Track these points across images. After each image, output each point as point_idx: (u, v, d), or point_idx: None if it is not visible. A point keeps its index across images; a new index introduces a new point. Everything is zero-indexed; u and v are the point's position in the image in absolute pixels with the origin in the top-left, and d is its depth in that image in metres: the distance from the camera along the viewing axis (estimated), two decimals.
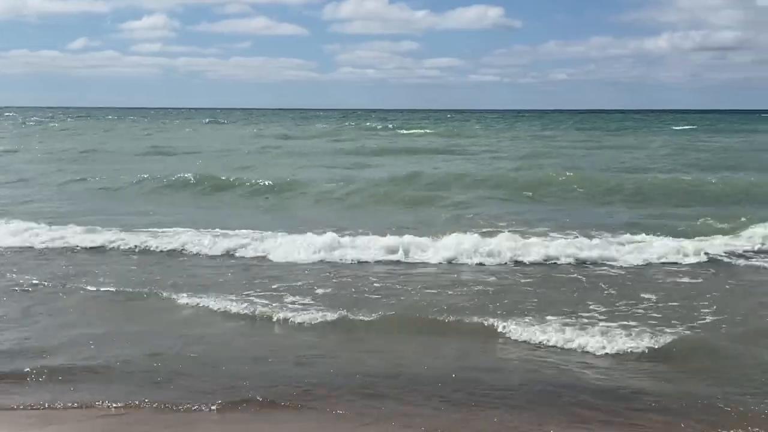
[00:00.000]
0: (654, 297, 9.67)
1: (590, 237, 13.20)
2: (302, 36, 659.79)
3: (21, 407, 6.35)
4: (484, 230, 14.01)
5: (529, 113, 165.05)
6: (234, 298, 9.56)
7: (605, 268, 11.60)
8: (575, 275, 11.10)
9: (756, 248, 12.80)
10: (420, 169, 26.21)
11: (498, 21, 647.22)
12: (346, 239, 12.96)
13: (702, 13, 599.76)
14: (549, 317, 8.68)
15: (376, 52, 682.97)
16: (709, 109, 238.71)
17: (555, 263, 11.89)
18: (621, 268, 11.59)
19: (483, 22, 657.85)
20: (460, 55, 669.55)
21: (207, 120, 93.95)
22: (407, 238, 12.82)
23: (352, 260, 12.13)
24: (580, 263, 11.87)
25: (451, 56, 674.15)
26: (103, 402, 6.38)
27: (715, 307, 9.17)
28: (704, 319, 8.70)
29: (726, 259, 12.13)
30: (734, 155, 33.49)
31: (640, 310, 9.06)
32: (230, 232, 13.72)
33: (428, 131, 60.46)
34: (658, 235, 13.41)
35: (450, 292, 10.04)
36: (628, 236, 13.42)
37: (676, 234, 13.68)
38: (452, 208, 17.64)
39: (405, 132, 60.49)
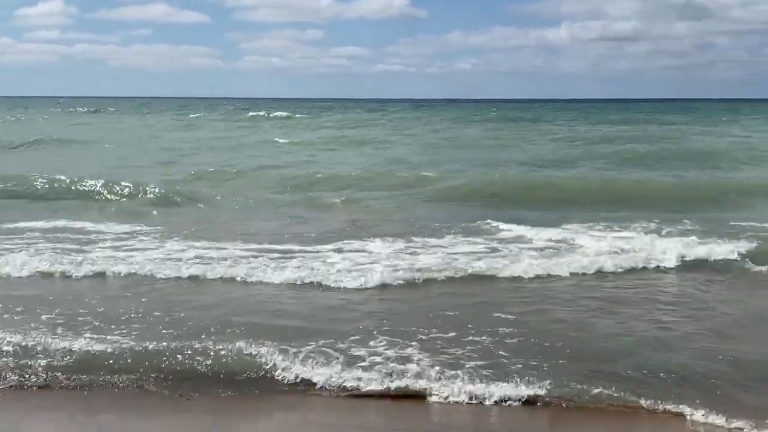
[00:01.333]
0: None
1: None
2: (205, 23, 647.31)
3: None
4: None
5: (435, 102, 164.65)
6: None
7: None
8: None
9: None
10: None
11: (403, 10, 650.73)
12: None
13: (600, 4, 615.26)
14: None
15: (282, 41, 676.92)
16: (608, 98, 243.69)
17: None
18: None
19: (388, 11, 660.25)
20: (366, 44, 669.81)
21: (88, 109, 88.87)
22: None
23: None
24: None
25: (356, 45, 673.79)
26: None
27: None
28: None
29: None
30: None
31: None
32: None
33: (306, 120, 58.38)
34: None
35: None
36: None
37: None
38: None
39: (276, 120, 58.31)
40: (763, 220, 14.26)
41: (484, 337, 7.68)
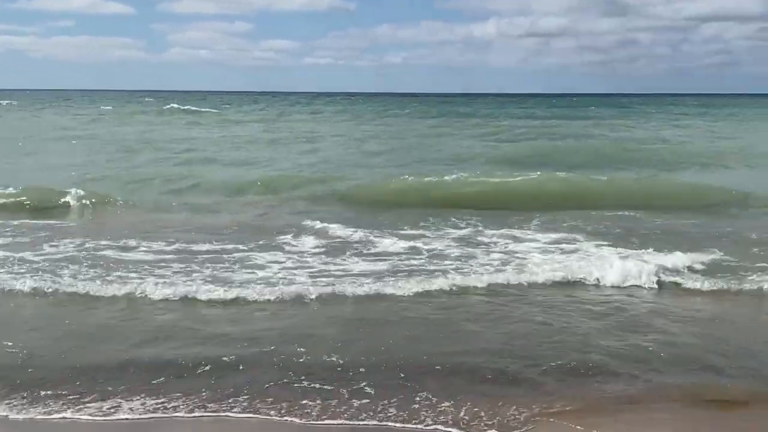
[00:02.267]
0: None
1: None
2: (129, 15, 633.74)
3: None
4: None
5: (364, 96, 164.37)
6: None
7: None
8: None
9: None
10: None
11: (333, 3, 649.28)
12: None
13: (528, 0, 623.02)
14: None
15: (209, 33, 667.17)
16: (537, 92, 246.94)
17: None
18: None
19: (318, 3, 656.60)
20: (296, 37, 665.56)
21: None
22: None
23: None
24: None
25: (285, 38, 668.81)
26: None
27: None
28: None
29: None
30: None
31: None
32: None
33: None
34: None
35: None
36: None
37: None
38: None
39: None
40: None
41: None
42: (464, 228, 13.92)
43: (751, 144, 33.62)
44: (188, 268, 10.64)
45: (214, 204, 17.33)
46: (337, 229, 13.60)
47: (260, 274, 10.44)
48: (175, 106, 71.30)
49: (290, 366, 7.11)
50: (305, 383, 6.71)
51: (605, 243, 12.47)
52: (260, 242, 12.48)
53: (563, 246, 12.30)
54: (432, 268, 10.78)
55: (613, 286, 10.09)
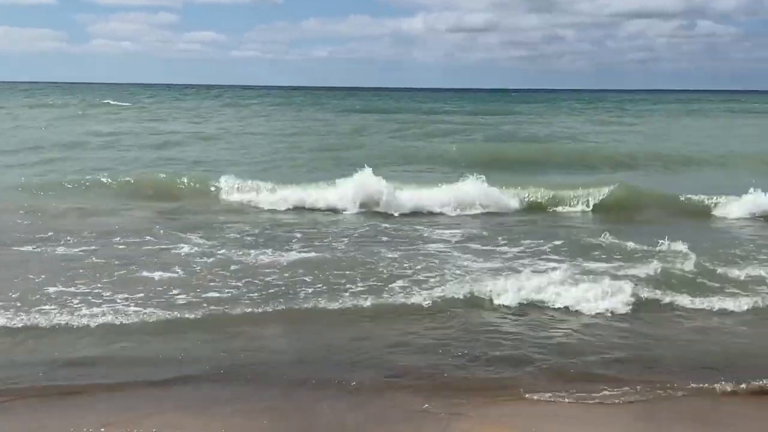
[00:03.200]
0: None
1: None
2: (50, 5, 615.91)
3: None
4: None
5: (291, 90, 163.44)
6: None
7: None
8: None
9: None
10: None
11: None
12: None
13: None
14: None
15: (133, 24, 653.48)
16: (464, 88, 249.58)
17: None
18: None
19: None
20: (222, 30, 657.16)
21: None
22: None
23: None
24: None
25: (212, 30, 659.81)
26: None
27: None
28: None
29: None
30: None
31: None
32: None
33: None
34: None
35: None
36: None
37: None
38: None
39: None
40: None
41: None
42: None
43: (650, 142, 34.64)
44: None
45: None
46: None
47: None
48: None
49: None
50: None
51: None
52: None
53: None
54: None
55: None
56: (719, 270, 11.20)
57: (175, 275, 10.77)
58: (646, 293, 10.05)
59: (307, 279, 10.68)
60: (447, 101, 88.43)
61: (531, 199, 18.23)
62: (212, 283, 10.42)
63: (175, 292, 9.97)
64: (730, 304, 9.79)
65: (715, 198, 17.89)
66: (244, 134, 36.71)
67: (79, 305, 9.25)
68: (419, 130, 38.86)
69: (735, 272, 11.11)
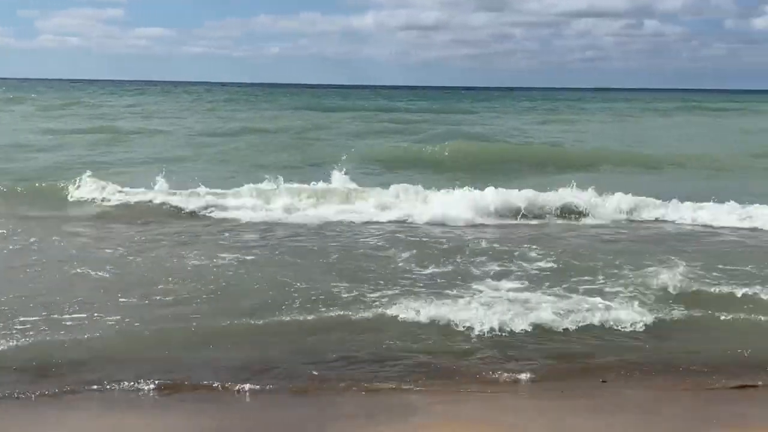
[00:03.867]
0: None
1: None
2: None
3: None
4: None
5: (240, 87, 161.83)
6: None
7: None
8: None
9: None
10: None
11: None
12: None
13: None
14: None
15: (79, 19, 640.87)
16: (415, 85, 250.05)
17: None
18: None
19: None
20: (171, 25, 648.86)
21: None
22: None
23: None
24: None
25: (160, 26, 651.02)
26: None
27: None
28: None
29: None
30: None
31: None
32: None
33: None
34: None
35: None
36: None
37: None
38: None
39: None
40: None
41: None
42: None
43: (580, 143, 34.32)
44: None
45: None
46: None
47: None
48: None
49: None
50: None
51: None
52: None
53: None
54: None
55: None
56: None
57: None
58: None
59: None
60: (401, 99, 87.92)
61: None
62: None
63: None
64: None
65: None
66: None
67: None
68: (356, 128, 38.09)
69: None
